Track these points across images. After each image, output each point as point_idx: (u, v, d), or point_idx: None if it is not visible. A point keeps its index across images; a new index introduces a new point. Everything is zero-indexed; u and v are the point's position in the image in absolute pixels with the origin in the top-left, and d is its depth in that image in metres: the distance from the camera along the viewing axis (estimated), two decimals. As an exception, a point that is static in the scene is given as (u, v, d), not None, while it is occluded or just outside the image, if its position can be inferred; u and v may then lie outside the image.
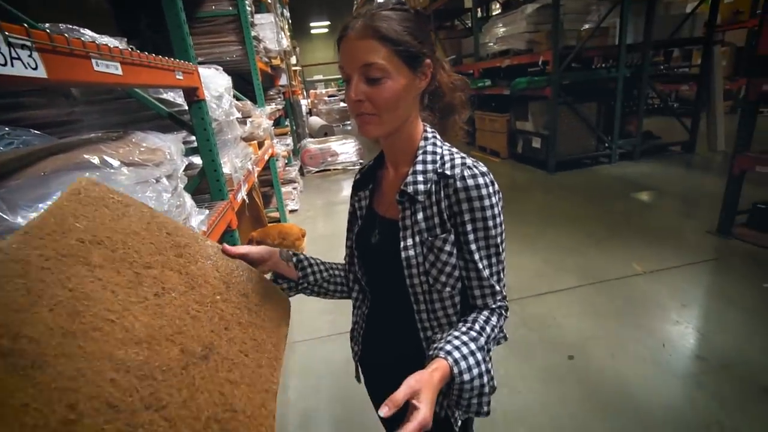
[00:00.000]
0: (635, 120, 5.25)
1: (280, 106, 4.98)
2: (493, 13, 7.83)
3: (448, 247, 0.71)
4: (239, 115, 2.27)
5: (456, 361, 0.64)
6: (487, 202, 0.70)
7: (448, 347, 0.66)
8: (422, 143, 0.76)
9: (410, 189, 0.73)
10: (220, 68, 2.12)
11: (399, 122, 0.73)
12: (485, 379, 0.67)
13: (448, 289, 0.73)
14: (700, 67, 5.23)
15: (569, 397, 1.72)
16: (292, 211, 4.62)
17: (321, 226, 4.24)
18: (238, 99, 2.77)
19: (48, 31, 0.64)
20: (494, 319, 0.73)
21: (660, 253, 2.80)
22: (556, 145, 4.91)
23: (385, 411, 0.54)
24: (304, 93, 11.81)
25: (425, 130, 0.78)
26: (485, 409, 0.70)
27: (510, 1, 7.57)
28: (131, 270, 0.56)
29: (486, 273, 0.72)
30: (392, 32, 0.67)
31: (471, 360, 0.66)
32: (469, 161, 0.73)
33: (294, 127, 6.97)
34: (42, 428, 0.40)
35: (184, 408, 0.52)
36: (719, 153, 5.27)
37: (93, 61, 0.77)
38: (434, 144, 0.76)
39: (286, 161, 5.28)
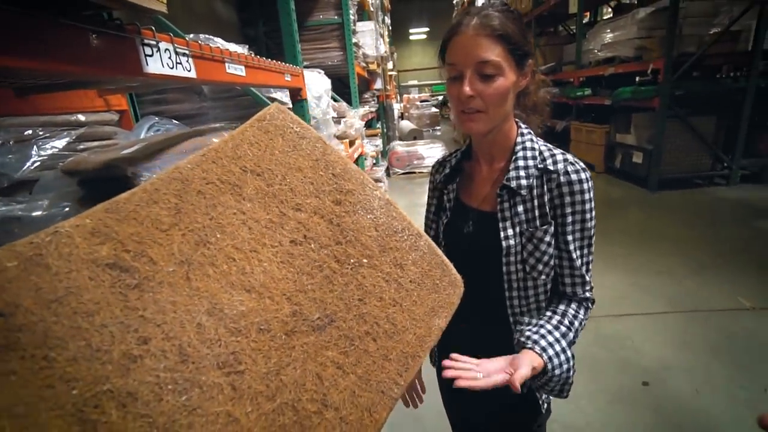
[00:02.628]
0: (767, 137, 4.56)
1: (373, 109, 5.24)
2: (603, 17, 7.34)
3: (548, 238, 0.76)
4: (335, 115, 2.50)
5: (550, 358, 0.71)
6: (587, 196, 0.75)
7: (543, 342, 0.72)
8: (519, 139, 0.81)
9: (513, 183, 0.77)
10: (322, 72, 2.36)
11: (502, 119, 0.77)
12: (571, 372, 0.73)
13: (543, 277, 0.79)
14: None
15: (638, 423, 1.62)
16: (374, 209, 4.82)
17: (400, 225, 4.37)
18: (334, 100, 3.03)
19: (199, 42, 0.84)
20: (582, 313, 0.79)
21: (777, 290, 2.45)
22: (660, 161, 4.48)
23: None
24: (398, 97, 12.14)
25: (519, 126, 0.83)
26: (565, 394, 0.77)
27: (623, 4, 7.05)
28: (278, 209, 0.52)
29: (578, 263, 0.78)
30: (507, 31, 0.70)
31: (563, 357, 0.72)
32: (570, 157, 0.78)
33: (385, 130, 7.26)
34: (102, 354, 0.38)
35: (262, 381, 0.45)
36: None
37: (226, 64, 0.97)
38: (531, 140, 0.81)
39: (374, 161, 5.53)
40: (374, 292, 0.55)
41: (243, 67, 1.06)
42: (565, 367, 0.71)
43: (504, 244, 0.78)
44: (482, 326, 0.87)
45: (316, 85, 2.11)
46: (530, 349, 0.71)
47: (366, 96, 5.17)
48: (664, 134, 4.40)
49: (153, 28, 0.68)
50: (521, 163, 0.78)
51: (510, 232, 0.78)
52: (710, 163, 4.60)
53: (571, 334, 0.75)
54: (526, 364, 0.67)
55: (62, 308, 0.38)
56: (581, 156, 6.07)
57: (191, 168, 0.49)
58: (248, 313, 0.46)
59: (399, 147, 6.78)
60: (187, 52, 0.79)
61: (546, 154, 0.78)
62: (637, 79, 5.25)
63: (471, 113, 0.74)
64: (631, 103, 4.72)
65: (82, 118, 1.00)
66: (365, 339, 0.52)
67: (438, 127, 11.54)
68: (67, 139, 0.92)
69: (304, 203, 0.54)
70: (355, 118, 3.36)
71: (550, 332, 0.74)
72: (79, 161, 0.77)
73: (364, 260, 0.56)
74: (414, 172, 6.63)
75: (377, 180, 5.28)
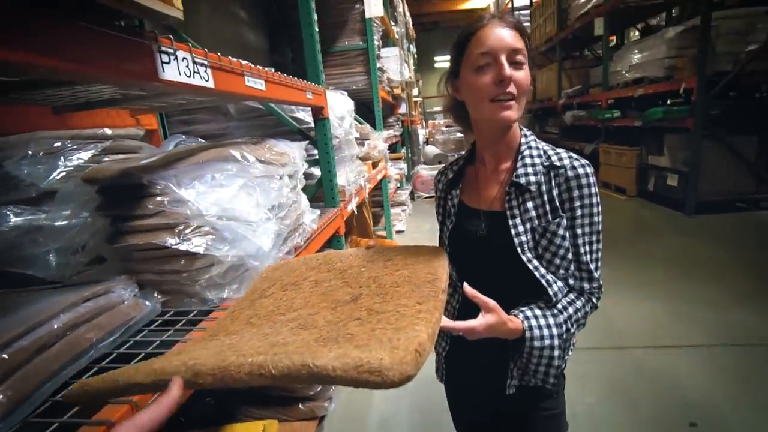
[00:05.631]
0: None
1: (397, 133, 5.29)
2: (630, 40, 7.25)
3: (561, 231, 0.78)
4: (357, 135, 2.52)
5: (531, 327, 0.74)
6: (594, 190, 0.77)
7: (528, 313, 0.75)
8: (523, 139, 0.84)
9: (522, 180, 0.79)
10: (345, 93, 2.39)
11: (523, 110, 0.81)
12: (556, 353, 0.75)
13: (561, 271, 0.80)
14: None
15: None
16: (398, 232, 4.80)
17: (423, 247, 4.31)
18: (358, 122, 3.06)
19: (218, 54, 0.85)
20: (579, 302, 0.79)
21: (837, 321, 2.23)
22: (697, 184, 4.27)
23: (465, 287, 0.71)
24: (423, 123, 12.27)
25: (521, 128, 0.86)
26: (551, 380, 0.79)
27: (651, 26, 6.96)
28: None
29: (586, 258, 0.78)
30: (525, 30, 0.77)
31: (545, 332, 0.74)
32: (573, 154, 0.81)
33: (409, 154, 7.30)
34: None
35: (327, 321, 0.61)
36: None
37: (245, 77, 0.98)
38: (535, 140, 0.85)
39: (398, 185, 5.54)
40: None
41: (263, 82, 1.07)
42: (546, 342, 0.74)
43: (516, 240, 0.79)
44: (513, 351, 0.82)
45: (339, 105, 2.13)
46: (515, 316, 0.75)
47: (390, 120, 5.23)
48: (700, 155, 4.21)
49: (171, 36, 0.69)
50: (528, 161, 0.80)
51: (521, 228, 0.79)
52: (754, 185, 4.36)
53: (561, 317, 0.76)
54: (502, 318, 0.71)
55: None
56: (612, 180, 5.90)
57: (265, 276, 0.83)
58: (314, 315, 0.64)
59: (423, 171, 6.79)
60: (205, 62, 0.80)
61: (550, 152, 0.81)
62: (669, 101, 5.11)
63: (506, 101, 0.75)
64: (663, 124, 4.58)
65: (108, 132, 1.03)
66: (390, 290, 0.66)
67: (462, 152, 11.51)
68: (92, 151, 0.95)
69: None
70: (379, 140, 3.39)
71: (540, 308, 0.77)
72: (98, 170, 0.78)
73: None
74: (438, 196, 6.58)
75: (401, 203, 5.27)
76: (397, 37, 5.12)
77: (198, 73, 0.78)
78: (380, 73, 3.81)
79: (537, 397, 0.85)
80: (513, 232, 0.79)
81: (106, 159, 0.99)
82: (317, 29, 1.73)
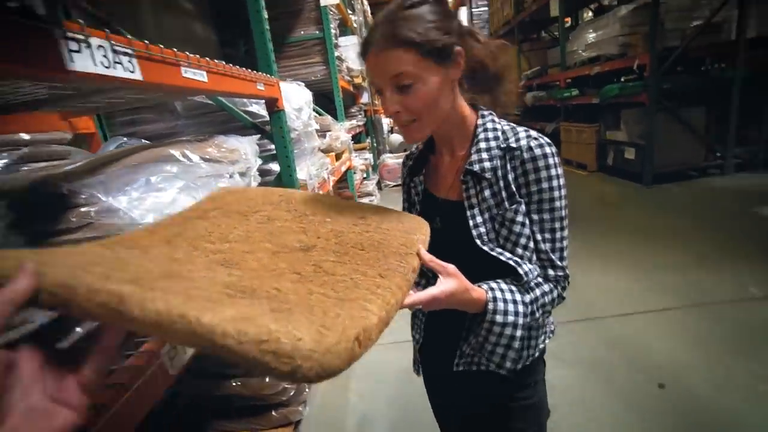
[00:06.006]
0: (756, 126, 4.53)
1: (360, 123, 5.20)
2: (583, 20, 7.41)
3: (520, 218, 0.71)
4: (318, 127, 2.43)
5: (495, 299, 0.68)
6: (553, 172, 0.70)
7: (494, 285, 0.70)
8: (480, 121, 0.76)
9: (476, 167, 0.73)
10: (303, 84, 2.30)
11: (441, 118, 0.74)
12: (518, 333, 0.69)
13: (525, 261, 0.73)
14: None
15: (657, 428, 1.51)
16: (368, 223, 4.74)
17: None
18: (318, 114, 2.97)
19: (146, 42, 0.76)
20: (546, 286, 0.73)
21: (786, 278, 2.36)
22: (653, 156, 4.43)
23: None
24: (386, 111, 12.20)
25: (479, 109, 0.79)
26: (507, 364, 0.73)
27: (603, 6, 7.12)
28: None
29: (545, 247, 0.72)
30: (415, 35, 0.64)
31: (510, 307, 0.68)
32: (533, 133, 0.73)
33: (374, 144, 7.22)
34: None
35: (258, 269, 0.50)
36: None
37: (182, 68, 0.89)
38: (492, 121, 0.76)
39: (365, 175, 5.47)
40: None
41: (204, 73, 0.99)
42: (510, 319, 0.68)
43: (474, 232, 0.73)
44: (472, 319, 0.78)
45: (296, 96, 2.04)
46: (479, 286, 0.69)
47: (353, 110, 5.13)
48: (654, 128, 4.36)
49: (81, 21, 0.60)
50: (483, 145, 0.74)
51: (479, 219, 0.74)
52: (704, 154, 4.57)
53: (528, 296, 0.70)
54: (464, 284, 0.65)
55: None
56: (573, 157, 6.05)
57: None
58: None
59: (389, 159, 6.74)
60: (129, 51, 0.71)
61: (509, 132, 0.74)
62: (623, 78, 5.26)
63: (406, 125, 0.71)
64: (619, 100, 4.71)
65: (25, 137, 0.92)
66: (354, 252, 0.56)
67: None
68: (5, 160, 0.84)
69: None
70: (341, 131, 3.30)
71: (507, 283, 0.71)
72: (8, 181, 0.68)
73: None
74: (407, 184, 6.56)
75: (369, 194, 5.21)
76: (355, 25, 5.01)
77: (120, 63, 0.69)
78: (339, 62, 3.71)
79: (513, 387, 0.82)
80: (471, 223, 0.74)
81: (25, 168, 0.88)
82: (266, 16, 1.63)
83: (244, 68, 1.29)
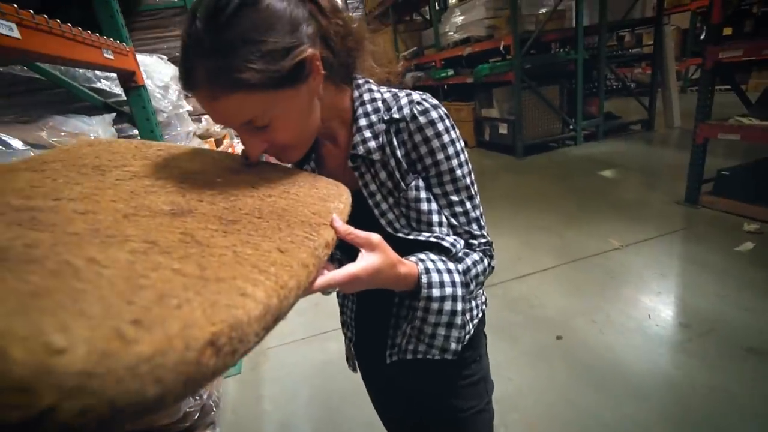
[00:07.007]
0: (596, 101, 5.34)
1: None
2: (450, 4, 7.83)
3: (423, 194, 0.62)
4: (191, 108, 2.10)
5: (427, 270, 0.58)
6: (446, 138, 0.61)
7: (422, 256, 0.60)
8: (356, 93, 0.64)
9: (361, 150, 0.62)
10: (165, 57, 1.95)
11: (315, 130, 0.61)
12: (458, 306, 0.60)
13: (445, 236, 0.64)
14: (653, 47, 5.37)
15: (561, 377, 1.66)
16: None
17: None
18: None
19: None
20: (476, 255, 0.65)
21: (633, 227, 2.81)
22: (522, 130, 4.92)
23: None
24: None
25: (354, 79, 0.65)
26: (452, 346, 0.63)
27: (466, -9, 7.63)
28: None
29: (462, 219, 0.64)
30: (255, 75, 0.48)
31: (446, 277, 0.59)
32: (416, 96, 0.62)
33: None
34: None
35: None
36: (676, 129, 5.44)
37: (-28, 14, 0.61)
38: (370, 90, 0.64)
39: (250, 163, 5.06)
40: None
41: (14, 25, 0.70)
42: (448, 291, 0.59)
43: (383, 221, 0.64)
44: (399, 304, 0.70)
45: (159, 72, 1.71)
46: (406, 259, 0.59)
47: (229, 92, 4.66)
48: (521, 105, 4.82)
49: None
50: (363, 122, 0.62)
51: (384, 206, 0.64)
52: (560, 128, 5.22)
53: (461, 266, 0.62)
54: (391, 257, 0.53)
55: None
56: (454, 134, 6.42)
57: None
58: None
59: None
60: None
61: (390, 101, 0.63)
62: (490, 60, 5.70)
63: (280, 152, 0.59)
64: (491, 80, 5.08)
65: None
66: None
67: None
68: None
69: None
70: (220, 114, 2.95)
71: (435, 254, 0.62)
72: None
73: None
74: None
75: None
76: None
77: None
78: (207, 36, 3.29)
79: (458, 366, 0.76)
80: (376, 212, 0.64)
81: None
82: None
83: (79, 28, 0.99)
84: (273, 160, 0.62)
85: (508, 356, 1.81)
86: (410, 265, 0.57)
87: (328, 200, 0.52)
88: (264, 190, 0.51)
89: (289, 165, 0.68)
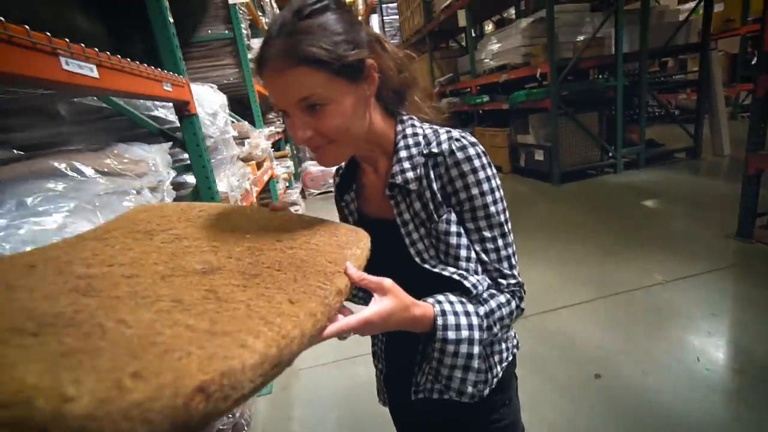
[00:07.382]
0: (637, 128, 5.18)
1: (279, 129, 4.96)
2: (486, 32, 7.93)
3: (453, 228, 0.64)
4: (236, 134, 2.21)
5: (443, 313, 0.59)
6: (482, 175, 0.63)
7: (441, 298, 0.62)
8: (399, 128, 0.69)
9: (399, 179, 0.66)
10: (214, 86, 2.08)
11: (359, 138, 0.65)
12: (475, 350, 0.60)
13: (471, 273, 0.65)
14: (699, 72, 5.19)
15: (599, 418, 1.57)
16: (294, 234, 4.51)
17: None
18: (235, 120, 2.73)
19: (2, 19, 0.56)
20: (502, 297, 0.64)
21: (679, 261, 2.67)
22: (559, 157, 4.84)
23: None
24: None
25: (399, 114, 0.70)
26: (469, 390, 0.63)
27: (503, 19, 7.71)
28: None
29: (492, 256, 0.65)
30: (321, 51, 0.54)
31: (463, 320, 0.59)
32: (455, 133, 0.66)
33: (294, 151, 6.96)
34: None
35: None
36: (725, 157, 5.18)
37: (61, 59, 0.69)
38: (413, 126, 0.69)
39: (288, 184, 5.22)
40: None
41: (94, 66, 0.78)
42: (464, 335, 0.59)
43: (412, 251, 0.66)
44: (425, 342, 0.70)
45: (209, 100, 1.82)
46: (424, 301, 0.61)
47: (270, 116, 4.87)
48: (558, 131, 4.76)
49: None
50: (403, 154, 0.67)
51: (415, 236, 0.67)
52: (599, 155, 5.09)
53: (482, 308, 0.62)
54: (404, 301, 0.56)
55: None
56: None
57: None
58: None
59: (312, 167, 6.54)
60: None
61: (431, 136, 0.67)
62: (526, 86, 5.69)
63: (321, 148, 0.63)
64: (526, 106, 5.06)
65: None
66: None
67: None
68: None
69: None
70: (261, 138, 3.08)
71: (454, 295, 0.63)
72: None
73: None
74: (331, 191, 6.41)
75: (293, 203, 4.97)
76: (266, 27, 4.76)
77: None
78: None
79: (485, 410, 0.75)
80: (407, 241, 0.67)
81: None
82: (168, 5, 1.41)
83: (145, 65, 1.08)
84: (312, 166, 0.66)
85: (543, 392, 1.74)
86: (426, 306, 0.59)
87: (346, 247, 0.56)
88: (287, 242, 0.55)
89: (332, 178, 0.76)
